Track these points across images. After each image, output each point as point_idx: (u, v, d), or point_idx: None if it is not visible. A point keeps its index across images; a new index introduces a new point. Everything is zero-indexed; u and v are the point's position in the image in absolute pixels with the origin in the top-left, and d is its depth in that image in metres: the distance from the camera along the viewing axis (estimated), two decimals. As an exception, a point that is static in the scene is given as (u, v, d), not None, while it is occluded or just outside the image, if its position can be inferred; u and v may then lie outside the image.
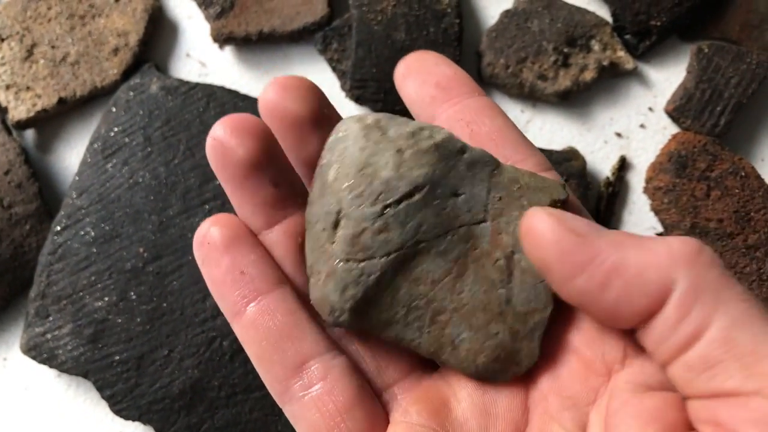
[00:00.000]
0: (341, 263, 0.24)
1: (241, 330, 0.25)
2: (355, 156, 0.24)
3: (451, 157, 0.24)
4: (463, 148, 0.25)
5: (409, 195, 0.24)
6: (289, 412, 0.25)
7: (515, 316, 0.24)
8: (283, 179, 0.25)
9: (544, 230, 0.22)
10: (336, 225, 0.24)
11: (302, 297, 0.26)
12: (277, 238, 0.26)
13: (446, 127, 0.26)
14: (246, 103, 0.45)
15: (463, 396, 0.25)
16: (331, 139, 0.25)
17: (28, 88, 0.45)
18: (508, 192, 0.24)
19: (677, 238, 0.21)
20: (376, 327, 0.25)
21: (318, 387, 0.24)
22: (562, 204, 0.24)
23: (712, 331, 0.20)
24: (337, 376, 0.25)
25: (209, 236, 0.25)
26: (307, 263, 0.25)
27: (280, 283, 0.25)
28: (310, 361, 0.25)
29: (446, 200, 0.24)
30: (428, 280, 0.24)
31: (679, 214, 0.45)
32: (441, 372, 0.26)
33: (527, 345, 0.24)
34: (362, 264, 0.24)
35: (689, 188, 0.45)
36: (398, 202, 0.24)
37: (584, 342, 0.24)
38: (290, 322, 0.25)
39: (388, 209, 0.24)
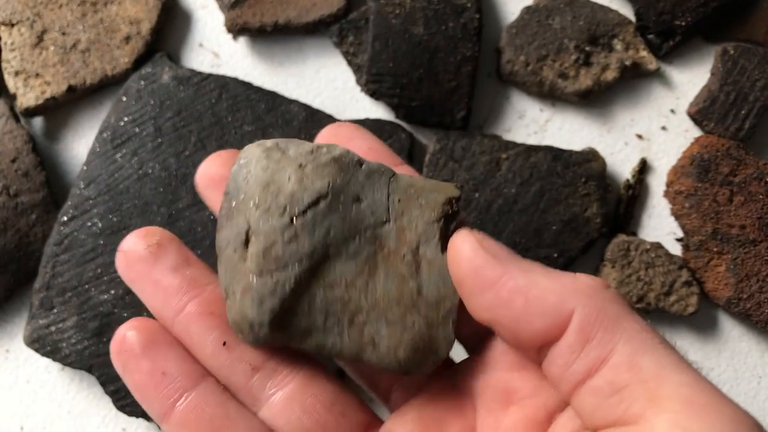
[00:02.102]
0: (256, 278, 0.24)
1: (172, 431, 0.25)
2: (259, 176, 0.25)
3: (350, 168, 0.26)
4: (360, 161, 0.26)
5: (314, 204, 0.25)
6: None
7: (428, 306, 0.25)
8: (181, 262, 0.27)
9: (463, 248, 0.24)
10: (246, 243, 0.25)
11: (227, 387, 0.26)
12: (188, 318, 0.26)
13: None
14: (258, 95, 0.44)
15: (410, 428, 0.25)
16: (233, 168, 0.26)
17: (37, 75, 0.44)
18: (407, 194, 0.26)
19: (586, 275, 0.23)
20: (296, 338, 0.25)
21: None
22: (456, 201, 0.26)
23: (616, 357, 0.21)
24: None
25: (126, 342, 0.26)
26: (222, 287, 0.26)
27: (203, 377, 0.25)
28: None
29: (350, 206, 0.25)
30: (342, 283, 0.25)
31: (700, 219, 0.44)
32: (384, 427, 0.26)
33: (443, 331, 0.25)
34: (276, 275, 0.24)
35: (711, 193, 0.44)
36: (304, 211, 0.25)
37: (528, 390, 0.25)
38: (220, 413, 0.25)
39: (295, 219, 0.25)
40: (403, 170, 0.28)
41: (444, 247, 0.26)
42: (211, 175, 0.28)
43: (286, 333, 0.25)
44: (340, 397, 0.26)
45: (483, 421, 0.25)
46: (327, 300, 0.25)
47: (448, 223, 0.26)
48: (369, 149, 0.29)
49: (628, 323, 0.21)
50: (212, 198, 0.28)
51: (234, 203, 0.25)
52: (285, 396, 0.26)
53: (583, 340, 0.21)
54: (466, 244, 0.24)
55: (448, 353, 0.26)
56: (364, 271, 0.25)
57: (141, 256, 0.26)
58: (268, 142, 0.26)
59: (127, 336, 0.26)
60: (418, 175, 0.28)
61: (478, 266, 0.23)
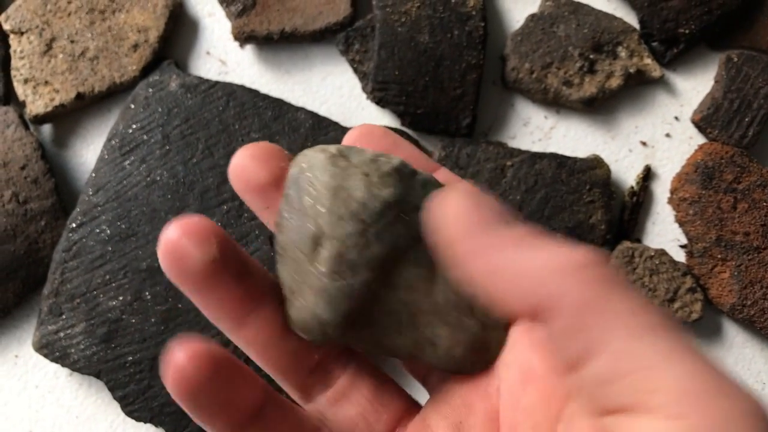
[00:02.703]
0: (329, 280, 0.25)
1: None
2: (328, 182, 0.26)
3: (408, 178, 0.26)
4: (414, 171, 0.27)
5: (382, 213, 0.26)
6: None
7: (482, 310, 0.26)
8: (245, 272, 0.25)
9: (457, 209, 0.23)
10: (316, 246, 0.25)
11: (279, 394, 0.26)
12: (250, 336, 0.25)
13: None
14: (265, 103, 0.44)
15: (443, 426, 0.25)
16: (293, 171, 0.26)
17: (46, 82, 0.45)
18: None
19: (583, 249, 0.20)
20: (362, 338, 0.26)
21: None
22: None
23: (606, 346, 0.19)
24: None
25: (185, 383, 0.23)
26: (284, 288, 0.26)
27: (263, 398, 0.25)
28: None
29: (412, 214, 0.26)
30: (406, 287, 0.26)
31: (704, 226, 0.44)
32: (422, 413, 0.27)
33: (495, 334, 0.26)
34: (350, 279, 0.25)
35: (715, 200, 0.44)
36: (375, 219, 0.25)
37: (545, 368, 0.23)
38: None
39: (368, 226, 0.25)
40: (442, 174, 0.29)
41: None
42: (244, 167, 0.26)
43: (353, 333, 0.26)
44: (381, 388, 0.26)
45: (504, 401, 0.25)
46: (392, 303, 0.26)
47: None
48: (409, 156, 0.28)
49: (622, 305, 0.19)
50: (245, 190, 0.26)
51: (297, 207, 0.26)
52: (334, 392, 0.26)
53: (569, 328, 0.20)
54: (458, 204, 0.23)
55: (499, 353, 0.26)
56: (426, 276, 0.26)
57: (201, 272, 0.23)
58: (331, 148, 0.27)
59: (184, 375, 0.23)
60: (455, 177, 0.29)
61: (456, 235, 0.22)
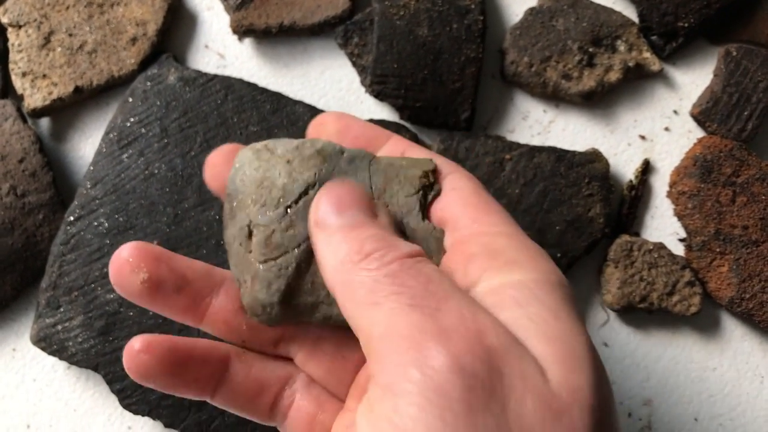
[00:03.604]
0: (261, 265, 0.27)
1: (219, 405, 0.29)
2: (253, 175, 0.28)
3: (333, 157, 0.28)
4: (342, 150, 0.29)
5: (304, 193, 0.28)
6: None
7: None
8: (183, 283, 0.28)
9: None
10: (250, 236, 0.28)
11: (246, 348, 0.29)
12: (210, 326, 0.29)
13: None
14: (264, 96, 0.44)
15: None
16: (231, 172, 0.29)
17: (44, 75, 0.45)
18: (386, 174, 0.29)
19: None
20: (305, 313, 0.28)
21: (290, 410, 0.29)
22: (432, 173, 0.29)
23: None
24: (302, 395, 0.29)
25: (140, 370, 0.28)
26: (234, 278, 0.29)
27: (225, 360, 0.28)
28: (278, 401, 0.29)
29: None
30: None
31: (703, 219, 0.44)
32: None
33: None
34: (279, 260, 0.27)
35: (714, 194, 0.44)
36: (296, 200, 0.28)
37: None
38: (249, 387, 0.28)
39: (289, 209, 0.27)
40: (394, 142, 0.31)
41: (424, 216, 0.28)
42: (215, 169, 0.30)
43: (295, 310, 0.28)
44: (341, 344, 0.29)
45: None
46: None
47: (426, 194, 0.28)
48: (360, 135, 0.31)
49: (360, 291, 0.23)
50: (219, 189, 0.30)
51: (234, 203, 0.28)
52: (303, 356, 0.29)
53: (344, 314, 0.24)
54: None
55: None
56: None
57: (139, 293, 0.28)
58: (258, 145, 0.29)
59: (139, 363, 0.28)
60: (409, 143, 0.31)
61: (310, 229, 0.27)
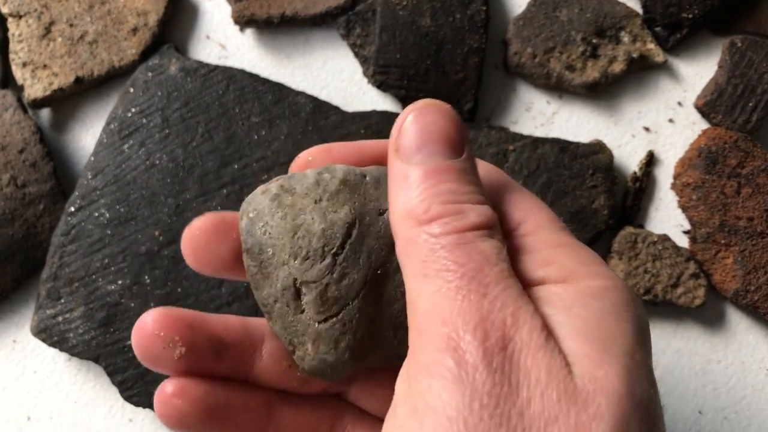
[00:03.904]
0: (321, 324, 0.25)
1: None
2: (281, 225, 0.25)
3: (359, 184, 0.26)
4: (363, 173, 0.26)
5: (347, 236, 0.25)
6: None
7: None
8: (222, 348, 0.26)
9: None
10: (297, 295, 0.25)
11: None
12: (261, 381, 0.27)
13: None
14: (266, 87, 0.44)
15: None
16: (244, 223, 0.26)
17: (44, 66, 0.44)
18: None
19: None
20: (375, 360, 0.26)
21: None
22: None
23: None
24: (353, 426, 0.28)
25: (173, 416, 0.25)
26: (284, 343, 0.26)
27: (269, 405, 0.27)
28: None
29: (377, 223, 0.25)
30: (398, 296, 0.25)
31: (707, 211, 0.44)
32: None
33: None
34: (341, 315, 0.25)
35: (719, 185, 0.44)
36: (342, 246, 0.25)
37: None
38: (301, 423, 0.27)
39: (338, 257, 0.25)
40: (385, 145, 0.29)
41: None
42: (197, 243, 0.26)
43: (366, 360, 0.26)
44: (396, 371, 0.27)
45: None
46: (391, 316, 0.25)
47: None
48: (348, 153, 0.28)
49: (418, 253, 0.22)
50: (204, 265, 0.27)
51: (264, 259, 0.25)
52: (356, 390, 0.28)
53: (397, 254, 0.23)
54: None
55: None
56: None
57: (175, 368, 0.25)
58: (272, 188, 0.26)
59: (173, 411, 0.25)
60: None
61: (390, 152, 0.25)
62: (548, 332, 0.20)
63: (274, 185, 0.26)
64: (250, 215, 0.25)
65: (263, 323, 0.27)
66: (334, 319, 0.25)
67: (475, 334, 0.20)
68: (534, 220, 0.24)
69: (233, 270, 0.27)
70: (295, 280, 0.25)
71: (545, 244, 0.24)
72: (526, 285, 0.22)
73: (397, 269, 0.25)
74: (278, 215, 0.25)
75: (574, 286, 0.22)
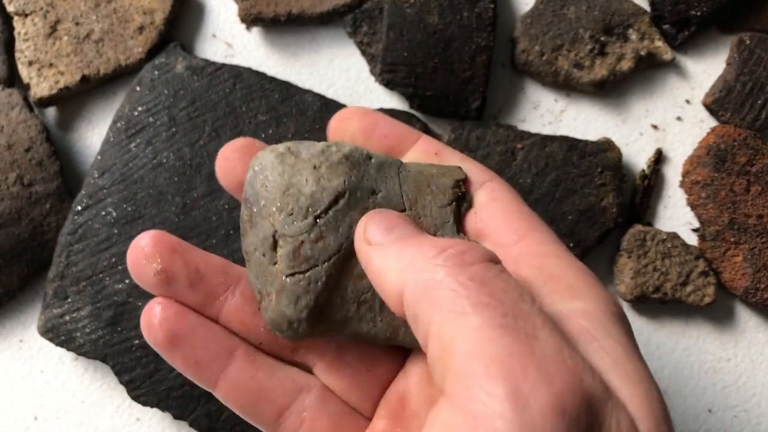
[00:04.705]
0: (288, 278, 0.26)
1: (220, 399, 0.28)
2: (277, 181, 0.26)
3: (361, 163, 0.27)
4: (369, 155, 0.27)
5: (334, 202, 0.26)
6: None
7: None
8: (197, 277, 0.27)
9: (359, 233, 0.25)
10: (274, 246, 0.26)
11: (259, 350, 0.28)
12: (227, 324, 0.28)
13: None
14: (272, 85, 0.44)
15: (415, 381, 0.27)
16: (249, 175, 0.27)
17: (51, 64, 0.44)
18: (417, 182, 0.27)
19: (441, 241, 0.22)
20: (333, 329, 0.26)
21: (301, 429, 0.27)
22: (463, 183, 0.28)
23: (433, 329, 0.20)
24: (315, 412, 0.27)
25: (153, 336, 0.27)
26: (255, 292, 0.27)
27: (232, 351, 0.27)
28: (285, 411, 0.27)
29: (367, 200, 0.27)
30: None
31: (716, 209, 0.43)
32: (403, 368, 0.28)
33: None
34: (308, 273, 0.26)
35: (728, 183, 0.44)
36: (326, 210, 0.26)
37: None
38: (254, 385, 0.27)
39: (319, 219, 0.26)
40: (424, 143, 0.29)
41: (459, 229, 0.27)
42: (227, 163, 0.29)
43: (323, 326, 0.26)
44: (366, 356, 0.28)
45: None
46: (357, 290, 0.26)
47: (459, 205, 0.27)
48: (389, 133, 0.29)
49: (441, 292, 0.20)
50: (231, 186, 0.29)
51: (255, 209, 0.27)
52: (323, 366, 0.28)
53: (412, 318, 0.21)
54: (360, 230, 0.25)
55: None
56: None
57: (153, 284, 0.27)
58: (280, 147, 0.27)
59: (155, 326, 0.27)
60: (440, 144, 0.29)
61: (360, 249, 0.25)
62: (603, 378, 0.19)
63: (282, 146, 0.27)
64: (255, 168, 0.27)
65: (244, 270, 0.28)
66: (301, 276, 0.26)
67: (538, 376, 0.18)
68: (509, 229, 0.25)
69: (241, 190, 0.28)
70: (275, 232, 0.26)
71: (536, 260, 0.24)
72: None
73: None
74: (277, 171, 0.26)
75: (591, 314, 0.22)
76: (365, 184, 0.27)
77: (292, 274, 0.26)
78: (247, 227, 0.27)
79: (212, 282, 0.28)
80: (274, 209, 0.26)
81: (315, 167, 0.27)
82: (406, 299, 0.21)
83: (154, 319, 0.27)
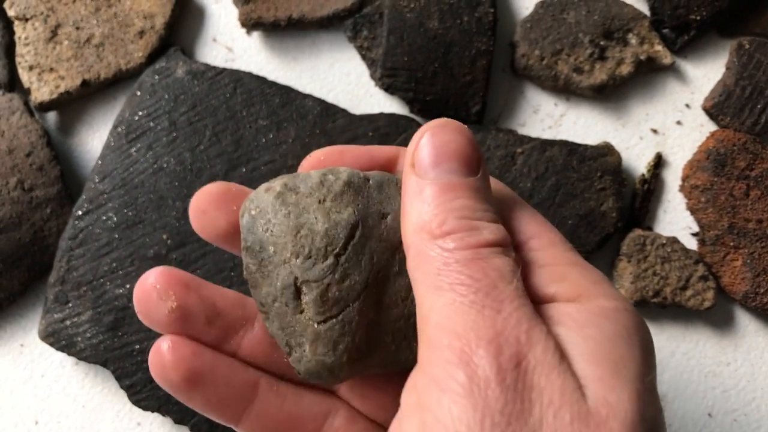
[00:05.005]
0: (320, 325, 0.24)
1: None
2: (284, 223, 0.25)
3: (363, 188, 0.26)
4: (367, 177, 0.26)
5: (350, 237, 0.25)
6: None
7: None
8: (214, 313, 0.27)
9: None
10: (297, 294, 0.25)
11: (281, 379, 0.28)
12: (247, 358, 0.28)
13: None
14: (273, 90, 0.44)
15: None
16: (245, 221, 0.25)
17: (51, 69, 0.44)
18: None
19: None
20: (372, 365, 0.25)
21: None
22: None
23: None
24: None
25: (167, 380, 0.26)
26: (281, 344, 0.26)
27: (255, 387, 0.27)
28: None
29: (380, 226, 0.25)
30: (398, 301, 0.25)
31: (716, 213, 0.44)
32: None
33: None
34: (341, 316, 0.24)
35: (728, 187, 0.44)
36: (345, 247, 0.25)
37: None
38: (282, 415, 0.27)
39: (340, 257, 0.24)
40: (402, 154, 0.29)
41: None
42: (205, 217, 0.27)
43: (362, 364, 0.25)
44: (391, 374, 0.27)
45: None
46: (390, 320, 0.25)
47: None
48: (359, 155, 0.29)
49: (430, 268, 0.22)
50: (214, 237, 0.28)
51: (264, 257, 0.25)
52: (348, 387, 0.28)
53: (410, 272, 0.23)
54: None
55: None
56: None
57: (166, 323, 0.26)
58: (276, 185, 0.26)
59: (170, 369, 0.26)
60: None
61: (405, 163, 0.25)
62: (561, 353, 0.21)
63: (278, 183, 0.26)
64: (252, 212, 0.25)
65: None
66: (334, 320, 0.24)
67: (488, 350, 0.20)
68: (546, 236, 0.24)
69: (228, 241, 0.27)
70: (296, 278, 0.24)
71: (558, 260, 0.24)
72: (535, 300, 0.22)
73: (398, 274, 0.25)
74: (281, 213, 0.25)
75: (586, 306, 0.22)
76: (372, 209, 0.25)
77: (324, 321, 0.24)
78: (258, 278, 0.25)
79: (230, 317, 0.27)
80: (288, 254, 0.24)
81: (320, 201, 0.25)
82: (409, 255, 0.23)
83: (166, 360, 0.26)
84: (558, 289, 0.23)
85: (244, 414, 0.26)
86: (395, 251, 0.25)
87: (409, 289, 0.25)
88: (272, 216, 0.25)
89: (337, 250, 0.24)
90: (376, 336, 0.25)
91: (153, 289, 0.26)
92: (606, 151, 0.44)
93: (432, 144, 0.24)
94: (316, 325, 0.24)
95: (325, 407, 0.28)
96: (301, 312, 0.25)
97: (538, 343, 0.20)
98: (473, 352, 0.20)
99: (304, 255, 0.24)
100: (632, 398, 0.20)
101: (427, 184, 0.23)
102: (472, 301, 0.21)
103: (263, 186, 0.26)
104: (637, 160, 0.46)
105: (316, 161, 0.28)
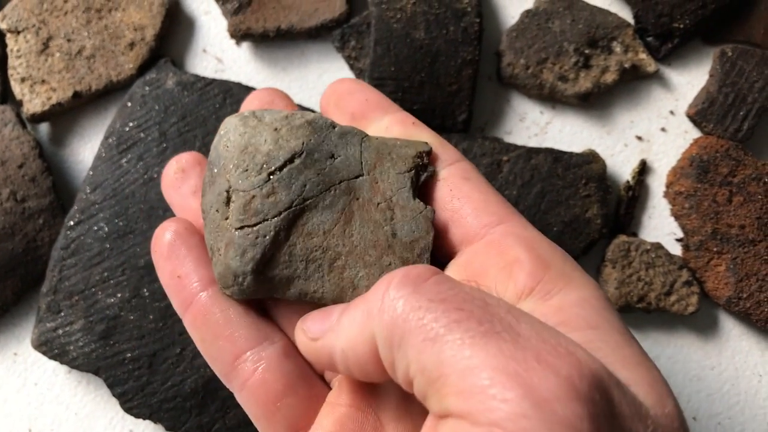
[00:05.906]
0: (237, 231, 0.26)
1: (186, 328, 0.28)
2: (237, 141, 0.27)
3: (324, 129, 0.28)
4: (333, 124, 0.28)
5: (289, 161, 0.27)
6: (238, 401, 0.27)
7: (403, 247, 0.27)
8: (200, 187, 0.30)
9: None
10: (228, 202, 0.27)
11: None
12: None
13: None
14: (262, 100, 0.44)
15: None
16: (214, 140, 0.28)
17: (43, 81, 0.45)
18: (379, 151, 0.28)
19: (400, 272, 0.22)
20: (279, 287, 0.27)
21: (252, 379, 0.26)
22: (427, 154, 0.28)
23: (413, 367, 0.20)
24: (270, 366, 0.26)
25: (158, 243, 0.29)
26: (209, 249, 0.28)
27: (211, 284, 0.28)
28: (242, 355, 0.27)
29: (324, 162, 0.27)
30: (320, 232, 0.27)
31: (700, 219, 0.44)
32: None
33: None
34: (256, 227, 0.26)
35: (711, 193, 0.44)
36: (281, 168, 0.27)
37: None
38: (222, 319, 0.27)
39: (272, 175, 0.26)
40: (400, 117, 0.30)
41: (415, 195, 0.27)
42: (170, 175, 0.31)
43: (270, 284, 0.27)
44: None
45: None
46: (307, 249, 0.27)
47: (419, 174, 0.28)
48: (366, 100, 0.31)
49: (408, 326, 0.20)
50: (173, 196, 0.32)
51: (215, 170, 0.28)
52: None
53: (390, 369, 0.21)
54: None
55: None
56: (341, 219, 0.27)
57: (170, 181, 0.31)
58: (246, 112, 0.29)
59: (161, 236, 0.29)
60: (415, 120, 0.30)
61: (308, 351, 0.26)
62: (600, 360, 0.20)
63: (248, 111, 0.29)
64: (221, 132, 0.28)
65: None
66: (250, 229, 0.26)
67: (542, 368, 0.17)
68: (486, 210, 0.26)
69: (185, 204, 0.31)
70: (229, 187, 0.27)
71: (524, 242, 0.25)
72: (521, 296, 0.23)
73: (328, 208, 0.27)
74: (238, 132, 0.27)
75: (587, 302, 0.22)
76: (324, 147, 0.27)
77: (241, 228, 0.26)
78: (206, 188, 0.28)
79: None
80: (231, 167, 0.27)
81: (276, 129, 0.27)
82: (382, 354, 0.21)
83: (167, 232, 0.29)
84: (542, 284, 0.23)
85: (192, 302, 0.28)
86: (331, 188, 0.27)
87: (334, 224, 0.27)
88: (231, 135, 0.28)
89: (272, 169, 0.27)
90: (290, 258, 0.26)
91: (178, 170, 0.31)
92: (591, 158, 0.45)
93: (309, 318, 0.26)
94: (233, 231, 0.26)
95: (263, 332, 0.27)
96: (227, 218, 0.27)
97: (581, 353, 0.19)
98: (528, 377, 0.17)
99: (242, 168, 0.27)
100: (676, 405, 0.21)
101: (337, 321, 0.24)
102: (483, 333, 0.18)
103: (238, 112, 0.29)
104: (622, 167, 0.46)
105: (333, 89, 0.32)
